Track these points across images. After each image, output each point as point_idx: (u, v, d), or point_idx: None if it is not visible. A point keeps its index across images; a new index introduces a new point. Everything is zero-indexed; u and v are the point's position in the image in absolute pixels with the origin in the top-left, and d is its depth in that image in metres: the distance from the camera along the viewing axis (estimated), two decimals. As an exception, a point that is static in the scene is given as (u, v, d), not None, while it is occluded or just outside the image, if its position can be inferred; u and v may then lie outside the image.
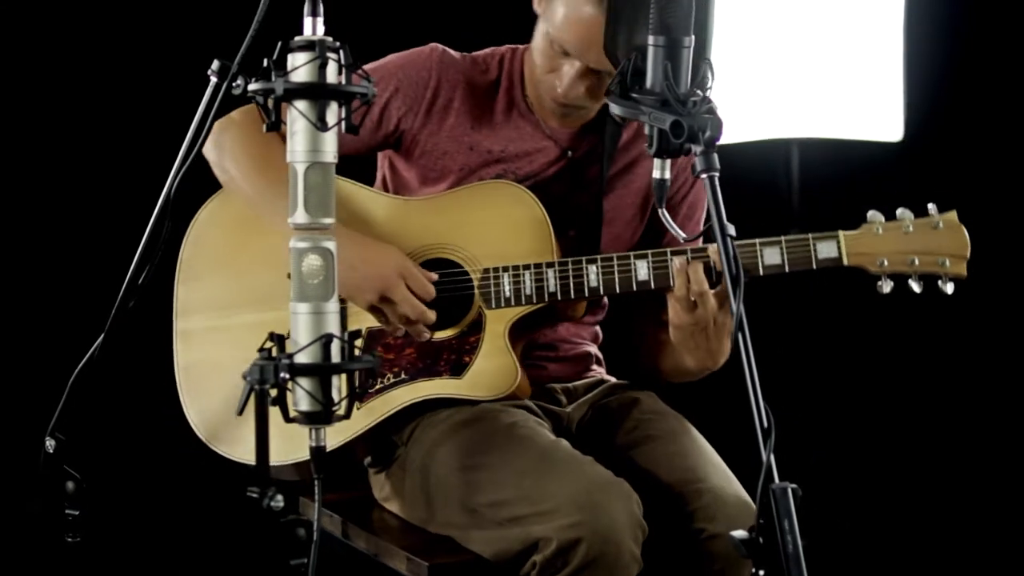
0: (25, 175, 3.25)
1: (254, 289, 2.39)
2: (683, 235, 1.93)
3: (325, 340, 1.82)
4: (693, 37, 1.84)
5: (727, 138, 3.21)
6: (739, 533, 1.63)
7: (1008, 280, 3.75)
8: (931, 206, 2.27)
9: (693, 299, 2.20)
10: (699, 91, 1.82)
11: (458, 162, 2.42)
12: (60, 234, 3.27)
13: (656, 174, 1.90)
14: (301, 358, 1.82)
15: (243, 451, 2.32)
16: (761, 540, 1.61)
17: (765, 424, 1.63)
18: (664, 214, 1.90)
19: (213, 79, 1.97)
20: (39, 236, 3.26)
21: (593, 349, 2.60)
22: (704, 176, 1.75)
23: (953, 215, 2.27)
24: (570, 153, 2.46)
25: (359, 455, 2.48)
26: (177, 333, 2.43)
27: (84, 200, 3.27)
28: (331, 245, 1.85)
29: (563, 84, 2.33)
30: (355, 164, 2.41)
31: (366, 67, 2.38)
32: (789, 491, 1.60)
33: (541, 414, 2.43)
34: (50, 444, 2.08)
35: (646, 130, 1.86)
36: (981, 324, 3.81)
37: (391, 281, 2.29)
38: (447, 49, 2.46)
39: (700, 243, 2.38)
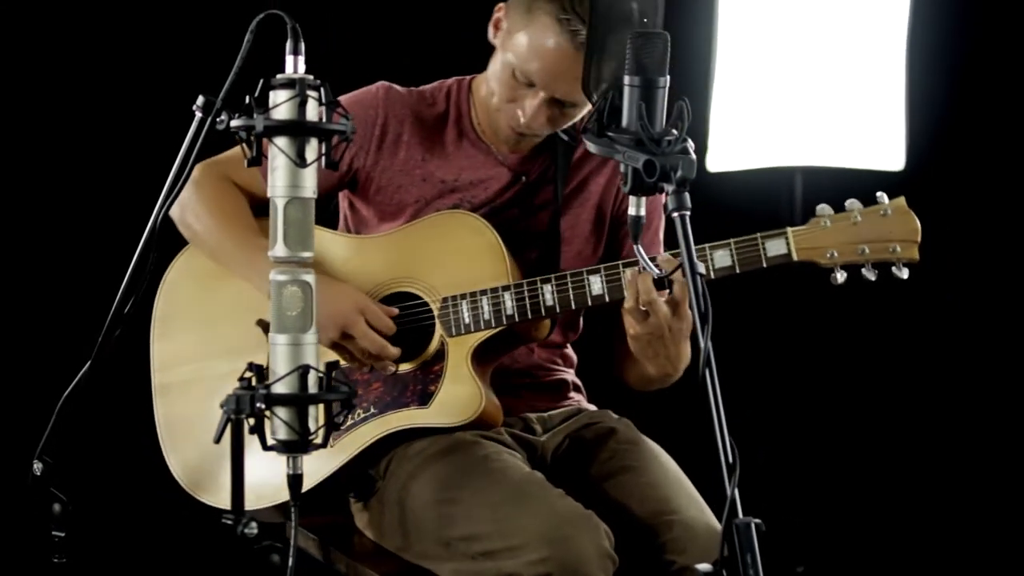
0: (14, 205, 3.29)
1: (226, 339, 2.42)
2: (656, 271, 1.96)
3: (302, 371, 1.85)
4: (668, 77, 1.87)
5: (732, 166, 3.24)
6: (703, 566, 1.64)
7: (1008, 306, 3.76)
8: (880, 194, 2.24)
9: (644, 308, 2.17)
10: (674, 130, 1.83)
11: (413, 195, 2.44)
12: (48, 263, 3.31)
13: (632, 211, 1.91)
14: (278, 388, 1.85)
15: (225, 498, 2.33)
16: (725, 573, 1.63)
17: (730, 459, 1.65)
18: (639, 250, 1.90)
19: (198, 114, 2.00)
20: (27, 264, 3.30)
21: (570, 376, 2.59)
22: (676, 215, 1.77)
23: (902, 200, 2.24)
24: (524, 178, 2.47)
25: (338, 491, 2.47)
26: (156, 388, 2.47)
27: (72, 230, 3.31)
28: (310, 278, 1.87)
29: (526, 114, 2.34)
30: (316, 206, 2.43)
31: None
32: (752, 526, 1.61)
33: (515, 445, 2.42)
34: (38, 467, 2.11)
35: (621, 168, 1.88)
36: (981, 342, 3.81)
37: (350, 318, 2.31)
38: (392, 85, 2.49)
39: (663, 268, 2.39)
